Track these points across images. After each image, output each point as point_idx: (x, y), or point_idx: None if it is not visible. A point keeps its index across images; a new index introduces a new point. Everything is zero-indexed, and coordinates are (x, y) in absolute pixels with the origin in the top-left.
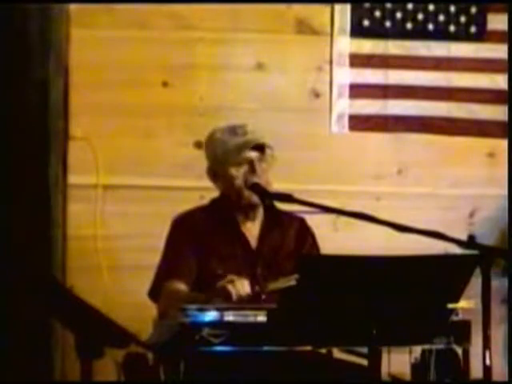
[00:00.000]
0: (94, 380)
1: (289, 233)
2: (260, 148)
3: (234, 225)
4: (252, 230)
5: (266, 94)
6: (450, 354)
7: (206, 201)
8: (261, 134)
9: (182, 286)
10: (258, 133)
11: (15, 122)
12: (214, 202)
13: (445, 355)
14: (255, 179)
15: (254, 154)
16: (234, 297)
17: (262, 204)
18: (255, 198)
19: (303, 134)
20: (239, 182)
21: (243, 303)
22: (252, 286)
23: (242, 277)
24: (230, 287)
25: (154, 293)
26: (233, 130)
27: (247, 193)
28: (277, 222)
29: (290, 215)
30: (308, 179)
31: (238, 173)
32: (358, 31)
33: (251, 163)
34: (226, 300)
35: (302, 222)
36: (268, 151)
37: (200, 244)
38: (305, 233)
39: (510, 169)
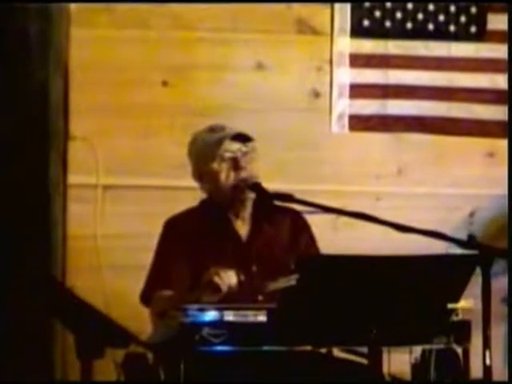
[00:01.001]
0: (94, 380)
1: (282, 226)
2: (241, 140)
3: (225, 224)
4: (243, 227)
5: (265, 94)
6: (450, 354)
7: None
8: (240, 131)
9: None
10: (237, 130)
11: (15, 121)
12: (203, 202)
13: (445, 355)
14: (239, 173)
15: (235, 146)
16: (223, 288)
17: (251, 199)
18: (241, 195)
19: (303, 134)
20: (223, 177)
21: (233, 295)
22: (246, 282)
23: (237, 279)
24: (216, 279)
25: (145, 298)
26: (211, 129)
27: (233, 189)
28: (267, 216)
29: (282, 209)
30: (308, 179)
31: (221, 167)
32: (358, 31)
33: (234, 159)
34: (215, 293)
35: (297, 214)
36: (249, 143)
37: (192, 247)
38: (300, 226)
39: (510, 169)
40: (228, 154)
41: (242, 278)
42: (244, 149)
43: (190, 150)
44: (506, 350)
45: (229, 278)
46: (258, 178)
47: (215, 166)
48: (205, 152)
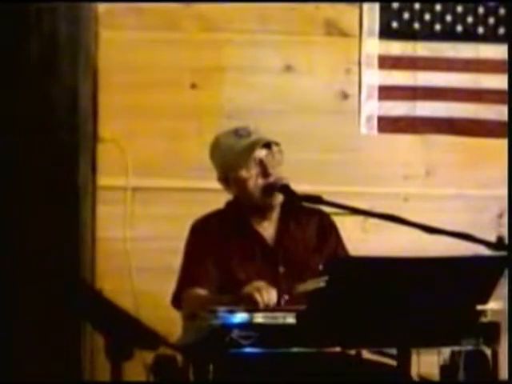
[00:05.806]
0: (123, 381)
1: (309, 227)
2: (267, 145)
3: (250, 226)
4: (269, 228)
5: (294, 95)
6: (479, 356)
7: None
8: (264, 132)
9: (203, 292)
10: (261, 131)
11: (44, 124)
12: (229, 204)
13: (474, 357)
14: (267, 179)
15: (262, 153)
16: (261, 306)
17: (279, 202)
18: (270, 200)
19: (332, 136)
20: (252, 183)
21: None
22: (273, 283)
23: (264, 280)
24: (257, 296)
25: (177, 301)
26: (236, 133)
27: (261, 195)
28: (294, 217)
29: (309, 210)
30: (337, 181)
31: (250, 174)
32: (386, 33)
33: (262, 164)
34: (251, 307)
35: (323, 215)
36: (275, 147)
37: (218, 249)
38: (327, 227)
39: (509, 169)
40: (257, 162)
41: (286, 297)
42: (271, 154)
43: (214, 153)
44: None
45: (269, 298)
46: (284, 180)
47: (243, 173)
48: (232, 159)
